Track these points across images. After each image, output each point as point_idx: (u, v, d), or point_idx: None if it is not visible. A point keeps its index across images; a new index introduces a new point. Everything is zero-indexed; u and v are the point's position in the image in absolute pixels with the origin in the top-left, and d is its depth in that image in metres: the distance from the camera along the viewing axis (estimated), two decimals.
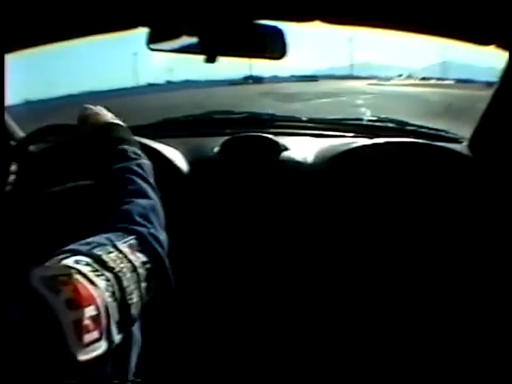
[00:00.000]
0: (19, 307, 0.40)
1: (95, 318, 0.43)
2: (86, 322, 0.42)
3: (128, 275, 0.50)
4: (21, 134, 1.18)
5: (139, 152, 0.75)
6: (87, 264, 0.47)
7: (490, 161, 1.18)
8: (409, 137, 1.34)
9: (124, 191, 0.65)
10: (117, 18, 0.76)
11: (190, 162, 1.25)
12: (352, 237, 1.23)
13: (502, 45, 0.91)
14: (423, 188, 1.22)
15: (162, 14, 0.74)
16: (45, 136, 1.17)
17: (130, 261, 0.52)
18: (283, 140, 1.31)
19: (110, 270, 0.48)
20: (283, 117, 1.65)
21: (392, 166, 1.23)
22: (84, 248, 0.50)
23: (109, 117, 0.81)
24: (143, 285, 0.53)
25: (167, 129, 1.48)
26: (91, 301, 0.43)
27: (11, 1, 0.65)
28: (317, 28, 0.82)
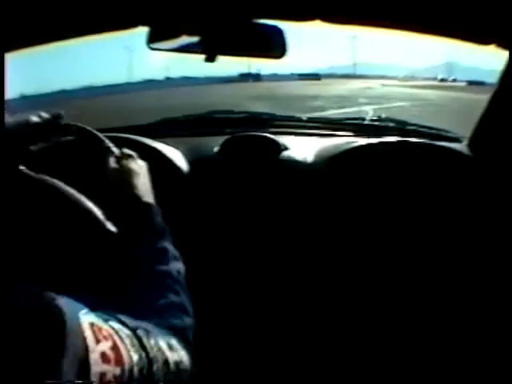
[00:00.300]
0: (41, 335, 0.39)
1: (118, 379, 0.44)
2: (110, 378, 0.43)
3: (160, 364, 0.52)
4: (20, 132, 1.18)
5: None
6: (128, 336, 0.48)
7: (490, 160, 1.18)
8: (409, 136, 1.34)
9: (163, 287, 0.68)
10: (117, 18, 0.76)
11: (190, 162, 1.25)
12: (352, 236, 1.23)
13: (501, 44, 0.91)
14: (423, 187, 1.22)
15: (161, 13, 0.74)
16: (46, 135, 1.18)
17: (165, 356, 0.53)
18: (283, 140, 1.31)
19: (146, 351, 0.50)
20: (283, 116, 1.65)
21: (392, 165, 1.23)
22: (129, 322, 0.51)
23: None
24: (169, 378, 0.54)
25: (167, 128, 1.48)
26: (122, 363, 0.45)
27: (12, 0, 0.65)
28: (317, 26, 0.82)
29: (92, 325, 0.43)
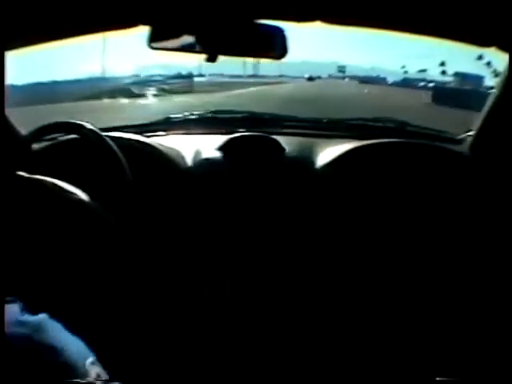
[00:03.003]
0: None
1: None
2: None
3: None
4: (22, 132, 1.18)
5: None
6: None
7: (491, 162, 1.18)
8: (409, 137, 1.34)
9: None
10: (117, 17, 0.76)
11: (191, 161, 1.25)
12: (352, 236, 1.23)
13: (502, 46, 0.90)
14: (423, 188, 1.22)
15: (162, 12, 0.74)
16: (47, 134, 1.18)
17: None
18: (283, 139, 1.31)
19: None
20: (284, 116, 1.65)
21: (392, 166, 1.23)
22: None
23: None
24: None
25: (167, 127, 1.48)
26: None
27: None
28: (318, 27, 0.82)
29: (98, 375, 0.43)
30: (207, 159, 1.27)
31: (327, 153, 1.27)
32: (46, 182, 0.82)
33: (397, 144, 1.27)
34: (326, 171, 1.24)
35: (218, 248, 1.23)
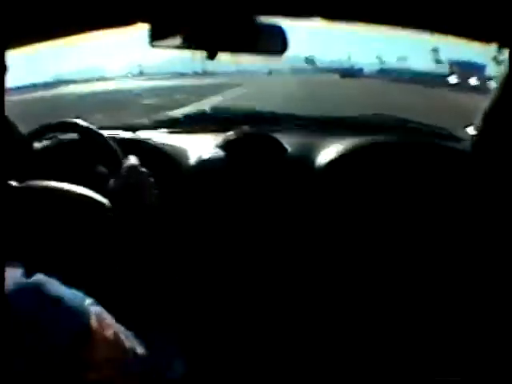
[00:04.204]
0: None
1: (118, 363, 0.52)
2: (112, 362, 0.50)
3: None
4: (22, 131, 1.18)
5: None
6: (121, 328, 0.55)
7: (492, 159, 1.18)
8: (409, 134, 1.34)
9: None
10: (117, 14, 0.76)
11: (191, 160, 1.25)
12: (353, 234, 1.23)
13: (503, 42, 0.90)
14: (425, 186, 1.22)
15: (162, 9, 0.74)
16: (47, 133, 1.18)
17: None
18: (285, 138, 1.31)
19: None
20: (285, 115, 1.65)
21: (393, 164, 1.23)
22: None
23: None
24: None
25: (169, 126, 1.48)
26: (123, 350, 0.52)
27: None
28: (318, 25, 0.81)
29: (96, 313, 0.49)
30: (207, 158, 1.27)
31: (328, 151, 1.27)
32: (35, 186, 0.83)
33: (398, 142, 1.27)
34: (326, 169, 1.23)
35: (219, 247, 1.23)
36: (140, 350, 0.56)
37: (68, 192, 0.83)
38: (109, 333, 0.49)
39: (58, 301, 0.46)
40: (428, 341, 1.20)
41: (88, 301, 0.50)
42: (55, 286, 0.48)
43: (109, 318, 0.51)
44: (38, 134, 1.13)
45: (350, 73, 32.24)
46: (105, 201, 0.84)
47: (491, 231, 1.16)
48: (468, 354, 1.15)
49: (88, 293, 0.57)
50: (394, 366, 1.18)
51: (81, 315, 0.47)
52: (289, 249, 1.23)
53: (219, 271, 1.23)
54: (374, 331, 1.22)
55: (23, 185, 0.82)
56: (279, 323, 1.22)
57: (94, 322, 0.47)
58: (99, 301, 0.53)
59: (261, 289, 1.24)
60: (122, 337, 0.52)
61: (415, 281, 1.22)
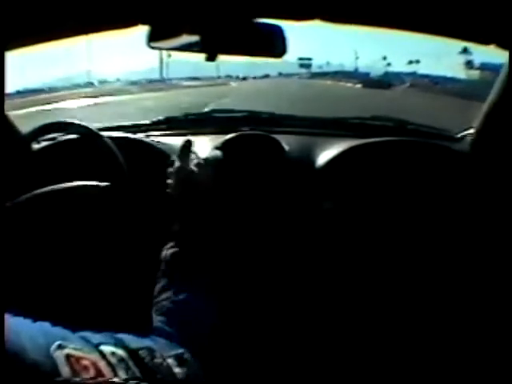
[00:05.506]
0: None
1: None
2: None
3: (169, 380, 0.50)
4: (22, 131, 1.18)
5: None
6: (121, 359, 0.46)
7: (491, 159, 1.18)
8: (408, 136, 1.34)
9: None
10: (116, 16, 0.76)
11: None
12: (353, 234, 1.23)
13: (502, 43, 0.90)
14: (423, 186, 1.22)
15: (162, 11, 0.74)
16: (47, 133, 1.18)
17: (172, 372, 0.51)
18: (283, 138, 1.31)
19: (149, 371, 0.48)
20: (284, 116, 1.65)
21: (391, 165, 1.23)
22: (132, 343, 0.50)
23: None
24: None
25: (168, 127, 1.48)
26: None
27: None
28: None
29: (68, 357, 0.41)
30: (208, 158, 1.27)
31: (327, 152, 1.27)
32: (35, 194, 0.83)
33: (397, 142, 1.27)
34: (325, 170, 1.24)
35: (218, 247, 1.23)
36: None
37: (60, 190, 0.83)
38: (86, 371, 0.41)
39: (17, 355, 0.38)
40: (428, 341, 1.20)
41: (57, 342, 0.42)
42: (15, 331, 0.39)
43: (82, 352, 0.43)
44: (36, 134, 1.13)
45: (376, 84, 26.36)
46: (98, 183, 0.84)
47: (490, 231, 1.16)
48: (468, 354, 1.16)
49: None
50: (395, 366, 1.19)
51: (48, 368, 0.39)
52: (288, 249, 1.24)
53: (219, 271, 1.23)
54: (374, 332, 1.22)
55: (14, 202, 0.82)
56: (278, 325, 1.23)
57: (65, 370, 0.40)
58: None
59: (260, 289, 1.24)
60: (109, 371, 0.44)
61: (414, 280, 1.22)
